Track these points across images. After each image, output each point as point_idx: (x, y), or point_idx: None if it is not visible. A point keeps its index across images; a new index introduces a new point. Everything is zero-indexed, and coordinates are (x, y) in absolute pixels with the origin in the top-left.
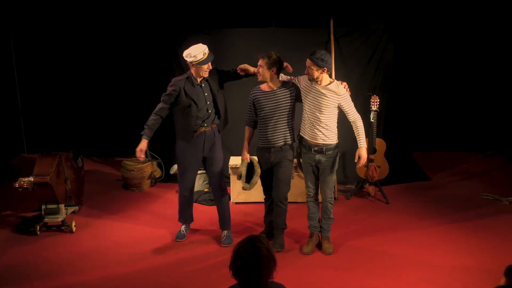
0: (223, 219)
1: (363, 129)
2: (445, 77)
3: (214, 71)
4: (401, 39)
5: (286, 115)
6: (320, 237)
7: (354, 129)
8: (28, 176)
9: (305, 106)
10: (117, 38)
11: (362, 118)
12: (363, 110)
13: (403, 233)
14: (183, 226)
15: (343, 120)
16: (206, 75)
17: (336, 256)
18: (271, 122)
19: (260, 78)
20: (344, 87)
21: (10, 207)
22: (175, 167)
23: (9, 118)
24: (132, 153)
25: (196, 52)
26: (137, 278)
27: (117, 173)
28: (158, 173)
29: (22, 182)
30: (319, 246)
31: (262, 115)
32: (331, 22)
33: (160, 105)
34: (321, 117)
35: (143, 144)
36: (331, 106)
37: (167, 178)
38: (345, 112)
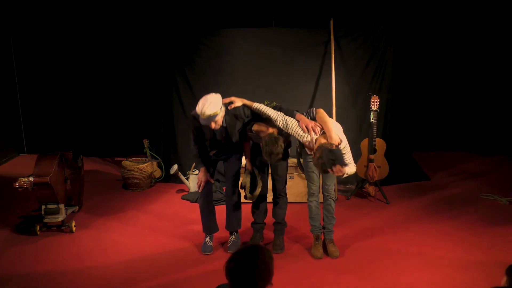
0: (231, 219)
1: None
2: (445, 77)
3: (238, 115)
4: (401, 39)
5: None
6: (323, 238)
7: None
8: (28, 176)
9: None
10: (117, 39)
11: (362, 118)
12: (363, 110)
13: (403, 233)
14: (207, 237)
15: (342, 121)
16: (213, 126)
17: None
18: None
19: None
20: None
21: (10, 207)
22: (175, 167)
23: (8, 118)
24: (132, 153)
25: (198, 107)
26: (136, 278)
27: (117, 173)
28: (158, 173)
29: (22, 182)
30: (323, 248)
31: None
32: (331, 22)
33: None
34: None
35: (202, 173)
36: None
37: (167, 178)
38: None
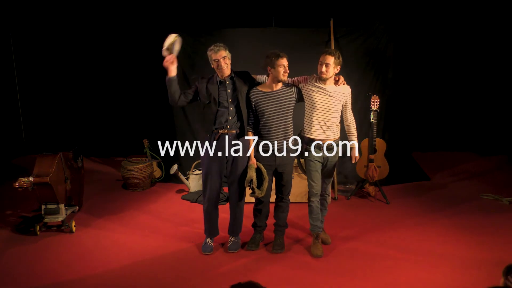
0: (234, 225)
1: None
2: (445, 77)
3: (246, 74)
4: (401, 39)
5: (289, 116)
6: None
7: (347, 130)
8: (28, 176)
9: (311, 106)
10: (117, 39)
11: (362, 118)
12: (363, 110)
13: (403, 233)
14: (208, 238)
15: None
16: (220, 73)
17: (336, 256)
18: (274, 125)
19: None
20: (342, 82)
21: (10, 207)
22: (175, 167)
23: (9, 118)
24: (132, 153)
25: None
26: (137, 278)
27: (117, 173)
28: (158, 173)
29: (22, 182)
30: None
31: (264, 118)
32: (331, 22)
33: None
34: (331, 117)
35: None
36: (339, 105)
37: (167, 178)
38: (345, 111)
